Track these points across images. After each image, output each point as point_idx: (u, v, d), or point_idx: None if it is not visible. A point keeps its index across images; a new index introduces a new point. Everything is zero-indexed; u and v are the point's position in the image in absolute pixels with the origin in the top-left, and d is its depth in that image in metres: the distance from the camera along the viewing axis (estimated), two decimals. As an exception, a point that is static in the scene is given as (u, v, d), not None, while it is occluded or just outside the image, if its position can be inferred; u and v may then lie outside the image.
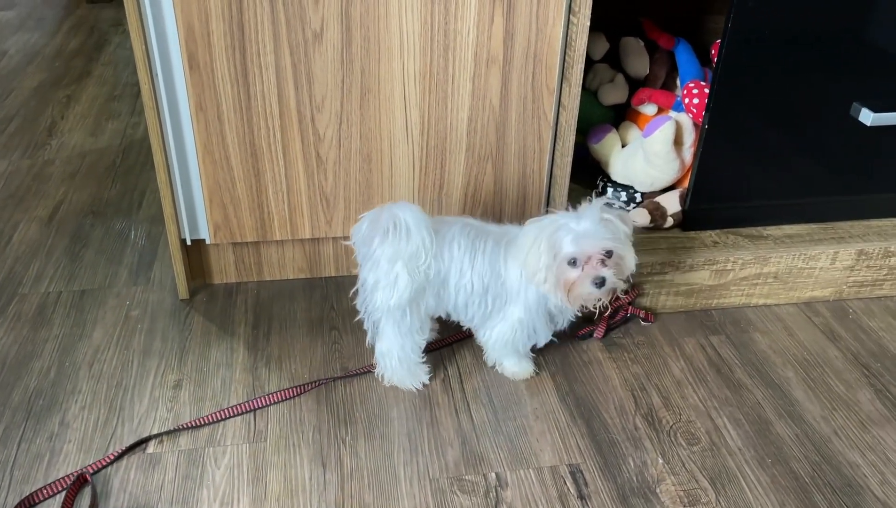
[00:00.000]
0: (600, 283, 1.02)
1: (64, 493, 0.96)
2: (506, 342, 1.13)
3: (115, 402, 1.11)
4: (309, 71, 1.16)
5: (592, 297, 1.06)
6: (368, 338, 1.13)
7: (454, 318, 1.16)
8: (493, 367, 1.19)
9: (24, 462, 1.01)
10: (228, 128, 1.19)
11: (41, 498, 0.96)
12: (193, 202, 1.26)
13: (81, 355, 1.20)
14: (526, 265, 1.05)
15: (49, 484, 0.97)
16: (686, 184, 1.36)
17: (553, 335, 1.16)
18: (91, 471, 0.99)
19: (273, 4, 1.10)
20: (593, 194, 1.44)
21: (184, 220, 1.27)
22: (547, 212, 1.26)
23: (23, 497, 0.95)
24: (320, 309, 1.32)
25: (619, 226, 1.05)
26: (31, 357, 1.19)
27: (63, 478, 0.98)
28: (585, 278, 1.03)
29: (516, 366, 1.17)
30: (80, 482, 0.98)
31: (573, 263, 1.03)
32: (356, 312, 1.29)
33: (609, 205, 1.07)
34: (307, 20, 1.12)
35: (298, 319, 1.30)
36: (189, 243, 1.30)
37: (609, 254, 1.03)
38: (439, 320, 1.19)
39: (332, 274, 1.41)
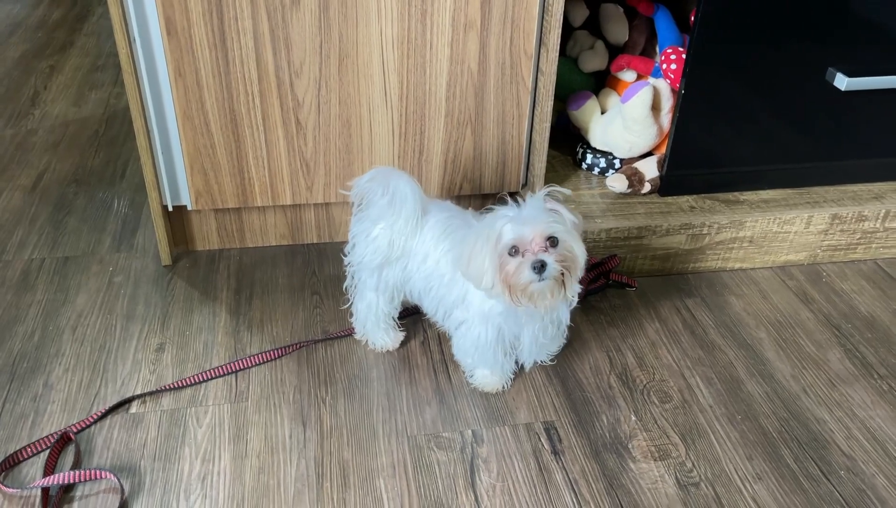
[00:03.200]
0: (539, 267, 0.92)
1: (48, 451, 0.98)
2: (467, 352, 1.08)
3: (99, 364, 1.13)
4: (287, 36, 1.17)
5: (535, 289, 0.94)
6: (345, 283, 1.15)
7: (421, 307, 1.13)
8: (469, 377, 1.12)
9: (9, 422, 1.03)
10: (207, 94, 1.20)
11: (25, 456, 0.98)
12: (174, 169, 1.27)
13: (65, 319, 1.21)
14: (470, 272, 0.97)
15: (33, 443, 0.99)
16: (664, 150, 1.37)
17: (551, 359, 1.14)
18: (75, 430, 1.01)
19: (250, -32, 1.10)
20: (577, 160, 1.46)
21: (165, 186, 1.28)
22: (496, 201, 1.21)
23: (7, 455, 0.97)
24: (302, 275, 1.34)
25: (565, 215, 0.97)
26: (16, 322, 1.20)
27: (47, 437, 1.00)
28: (524, 263, 0.93)
29: (482, 378, 1.10)
30: (63, 440, 1.00)
31: (514, 252, 0.94)
32: (337, 278, 1.31)
33: (554, 197, 0.99)
34: (284, -16, 1.12)
35: (280, 284, 1.31)
36: (171, 209, 1.31)
37: (554, 243, 0.94)
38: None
39: (314, 241, 1.42)
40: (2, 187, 1.55)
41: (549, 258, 0.93)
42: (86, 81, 2.03)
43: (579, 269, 0.97)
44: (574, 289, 0.99)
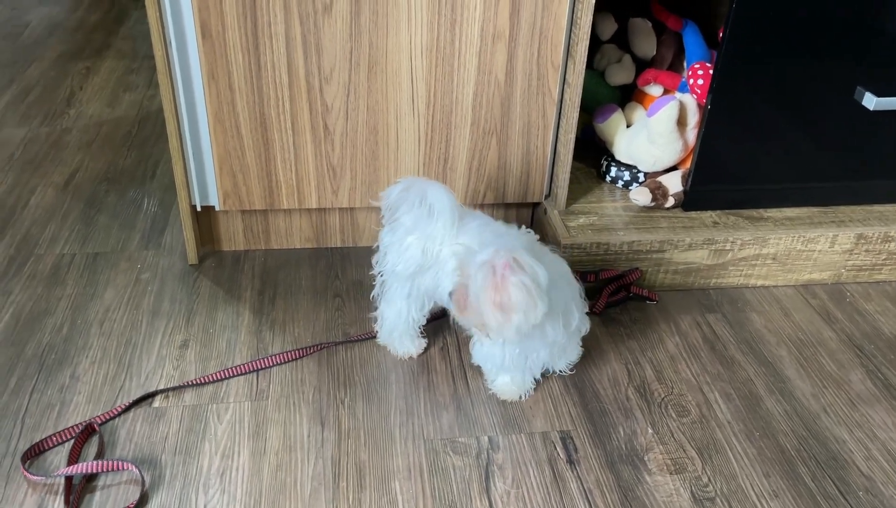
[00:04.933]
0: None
1: (72, 441, 1.00)
2: (489, 358, 1.08)
3: (124, 359, 1.15)
4: (318, 42, 1.19)
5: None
6: (374, 292, 1.16)
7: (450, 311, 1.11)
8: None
9: (36, 412, 1.06)
10: (239, 97, 1.22)
11: (51, 445, 1.00)
12: (204, 170, 1.30)
13: (93, 313, 1.24)
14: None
15: (58, 432, 1.01)
16: (688, 164, 1.37)
17: (570, 368, 1.14)
18: (99, 422, 1.03)
19: (284, -25, 1.13)
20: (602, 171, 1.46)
21: (194, 187, 1.31)
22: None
23: (33, 443, 1.00)
24: (325, 278, 1.36)
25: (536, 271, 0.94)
26: (45, 314, 1.23)
27: (72, 427, 1.02)
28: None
29: (502, 385, 1.10)
30: (88, 431, 1.02)
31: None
32: (360, 282, 1.32)
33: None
34: (317, -8, 1.15)
35: (303, 286, 1.33)
36: (199, 209, 1.33)
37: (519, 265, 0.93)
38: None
39: (338, 245, 1.44)
40: (36, 184, 1.59)
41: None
42: (120, 83, 2.07)
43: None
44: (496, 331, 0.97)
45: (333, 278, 1.36)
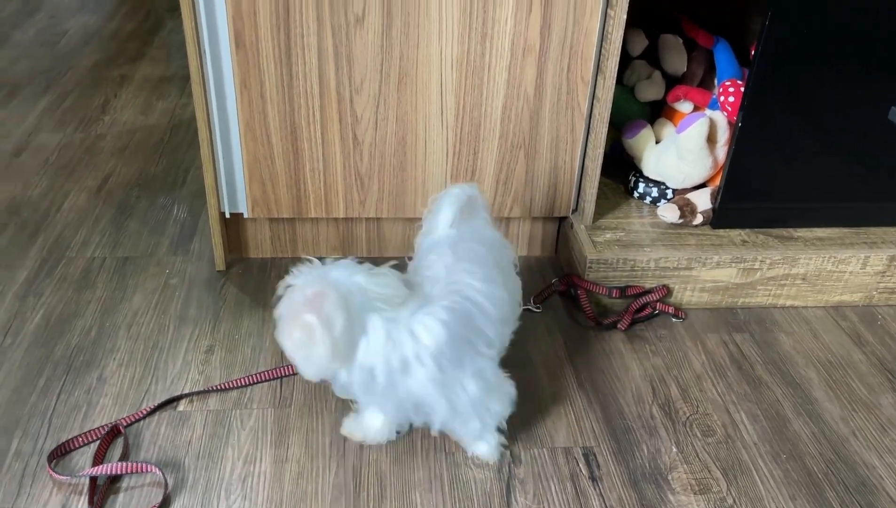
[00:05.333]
0: None
1: (98, 442, 1.01)
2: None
3: (151, 362, 1.16)
4: (349, 53, 1.20)
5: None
6: None
7: None
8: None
9: (63, 412, 1.07)
10: (270, 106, 1.24)
11: (76, 446, 1.01)
12: (234, 177, 1.31)
13: (121, 317, 1.25)
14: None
15: (84, 433, 1.02)
16: (717, 182, 1.36)
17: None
18: (125, 424, 1.04)
19: (318, -13, 1.14)
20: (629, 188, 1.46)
21: (224, 194, 1.32)
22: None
23: (59, 443, 1.01)
24: (350, 287, 1.36)
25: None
26: (75, 316, 1.25)
27: (98, 428, 1.03)
28: None
29: (480, 449, 1.03)
30: (113, 433, 1.03)
31: None
32: (384, 290, 1.32)
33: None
34: (350, 4, 1.16)
35: (328, 295, 1.34)
36: (228, 216, 1.35)
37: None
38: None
39: (364, 255, 1.45)
40: (70, 188, 1.62)
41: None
42: (153, 92, 2.11)
43: None
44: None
45: (358, 288, 1.36)
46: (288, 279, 0.88)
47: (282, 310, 0.87)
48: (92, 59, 2.29)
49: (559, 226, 1.45)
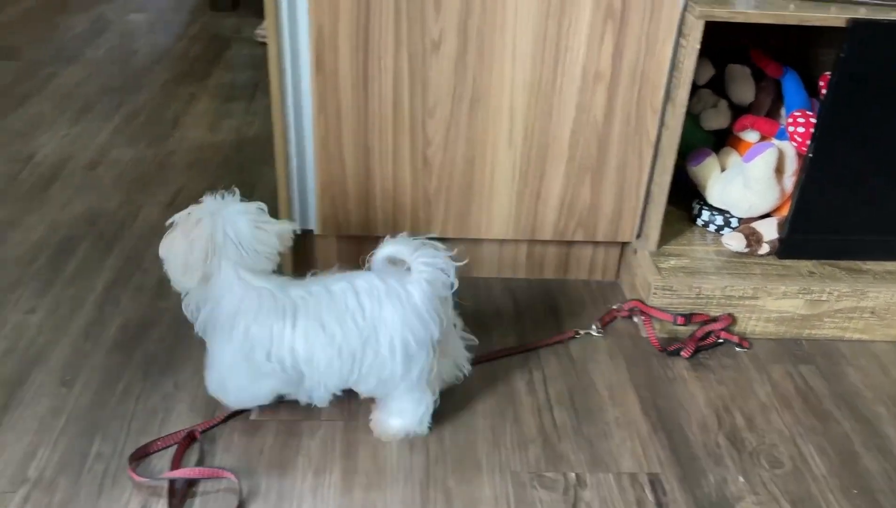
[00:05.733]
0: None
1: (175, 447, 1.04)
2: None
3: (223, 371, 1.20)
4: (424, 78, 1.23)
5: None
6: None
7: None
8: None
9: (141, 416, 1.11)
10: (345, 127, 1.27)
11: (155, 449, 1.05)
12: (306, 195, 1.35)
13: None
14: None
15: (162, 437, 1.06)
16: (784, 212, 1.36)
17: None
18: (200, 430, 1.08)
19: (398, 14, 1.18)
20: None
21: (296, 211, 1.36)
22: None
23: (139, 446, 1.04)
24: (413, 305, 1.38)
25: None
26: (151, 325, 1.29)
27: (175, 433, 1.07)
28: None
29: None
30: (190, 438, 1.06)
31: None
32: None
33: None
34: (427, 30, 1.19)
35: (393, 312, 1.36)
36: (299, 232, 1.38)
37: None
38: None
39: (427, 274, 1.47)
40: (143, 202, 1.68)
41: None
42: (220, 110, 2.18)
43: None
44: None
45: (421, 306, 1.38)
46: (197, 205, 1.01)
47: (175, 218, 1.01)
48: (161, 78, 2.37)
49: (621, 251, 1.45)
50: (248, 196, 1.73)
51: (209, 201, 1.01)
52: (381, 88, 1.24)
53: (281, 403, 1.14)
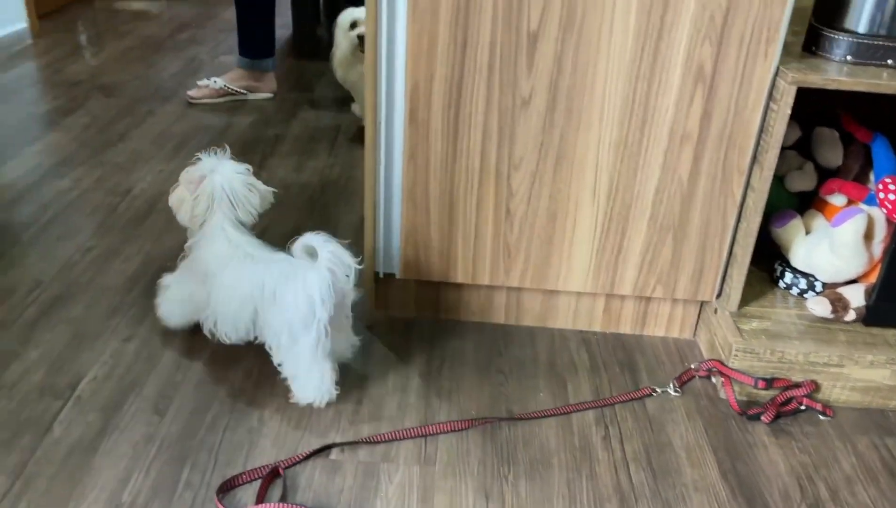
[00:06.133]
0: None
1: (260, 481, 1.08)
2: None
3: (305, 410, 1.24)
4: (512, 133, 1.27)
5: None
6: None
7: None
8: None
9: (228, 448, 1.15)
10: (433, 177, 1.32)
11: (241, 482, 1.09)
12: (391, 240, 1.39)
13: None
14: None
15: (248, 471, 1.10)
16: (872, 278, 1.33)
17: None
18: (283, 466, 1.11)
19: (490, 72, 1.22)
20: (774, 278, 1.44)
21: (380, 254, 1.40)
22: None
23: (225, 478, 1.08)
24: (488, 352, 1.40)
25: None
26: (237, 360, 1.34)
27: (260, 468, 1.10)
28: None
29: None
30: (273, 473, 1.10)
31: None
32: (522, 360, 1.37)
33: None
34: (518, 88, 1.23)
35: (468, 359, 1.38)
36: (381, 275, 1.43)
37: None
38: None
39: (502, 321, 1.49)
40: (231, 237, 1.75)
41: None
42: (304, 151, 2.26)
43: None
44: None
45: (496, 355, 1.40)
46: (198, 161, 1.31)
47: (181, 176, 1.31)
48: (250, 118, 2.49)
49: (700, 310, 1.45)
50: (331, 234, 1.79)
51: (208, 160, 1.30)
52: (469, 141, 1.28)
53: (361, 445, 1.17)
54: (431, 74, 1.23)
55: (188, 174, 1.30)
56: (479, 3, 1.18)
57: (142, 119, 2.41)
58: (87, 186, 1.95)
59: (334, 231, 1.80)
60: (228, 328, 1.27)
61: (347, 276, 1.18)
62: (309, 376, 1.21)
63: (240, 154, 2.19)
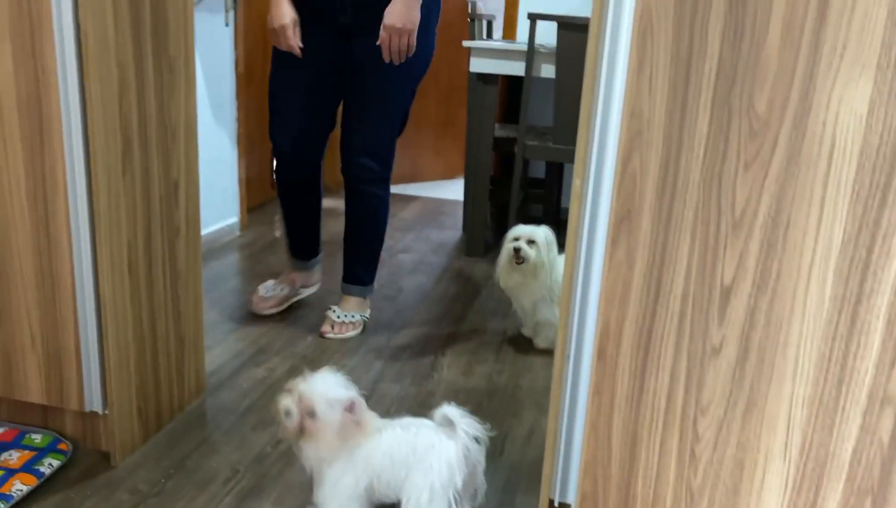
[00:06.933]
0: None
1: None
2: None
3: None
4: (700, 379, 1.29)
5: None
6: None
7: None
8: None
9: None
10: (617, 413, 1.35)
11: None
12: (569, 470, 1.41)
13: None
14: None
15: None
16: None
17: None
18: None
19: (681, 320, 1.28)
20: None
21: (557, 482, 1.42)
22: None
23: None
24: None
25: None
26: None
27: None
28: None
29: None
30: None
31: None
32: None
33: None
34: (709, 336, 1.27)
35: None
36: (557, 506, 1.43)
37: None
38: None
39: (678, 568, 1.43)
40: (405, 440, 1.83)
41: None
42: (473, 355, 2.37)
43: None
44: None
45: None
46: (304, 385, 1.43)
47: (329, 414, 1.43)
48: (424, 317, 2.65)
49: (904, 584, 1.32)
50: (499, 449, 1.84)
51: (321, 378, 1.47)
52: (656, 383, 1.31)
53: None
54: (623, 316, 1.30)
55: (340, 404, 1.45)
56: (675, 258, 1.26)
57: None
58: (280, 376, 2.13)
59: (503, 443, 1.85)
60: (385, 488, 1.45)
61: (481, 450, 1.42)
62: None
63: (414, 355, 2.34)
